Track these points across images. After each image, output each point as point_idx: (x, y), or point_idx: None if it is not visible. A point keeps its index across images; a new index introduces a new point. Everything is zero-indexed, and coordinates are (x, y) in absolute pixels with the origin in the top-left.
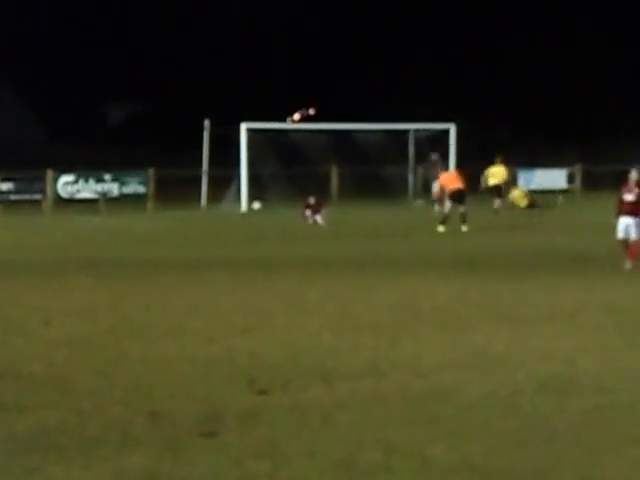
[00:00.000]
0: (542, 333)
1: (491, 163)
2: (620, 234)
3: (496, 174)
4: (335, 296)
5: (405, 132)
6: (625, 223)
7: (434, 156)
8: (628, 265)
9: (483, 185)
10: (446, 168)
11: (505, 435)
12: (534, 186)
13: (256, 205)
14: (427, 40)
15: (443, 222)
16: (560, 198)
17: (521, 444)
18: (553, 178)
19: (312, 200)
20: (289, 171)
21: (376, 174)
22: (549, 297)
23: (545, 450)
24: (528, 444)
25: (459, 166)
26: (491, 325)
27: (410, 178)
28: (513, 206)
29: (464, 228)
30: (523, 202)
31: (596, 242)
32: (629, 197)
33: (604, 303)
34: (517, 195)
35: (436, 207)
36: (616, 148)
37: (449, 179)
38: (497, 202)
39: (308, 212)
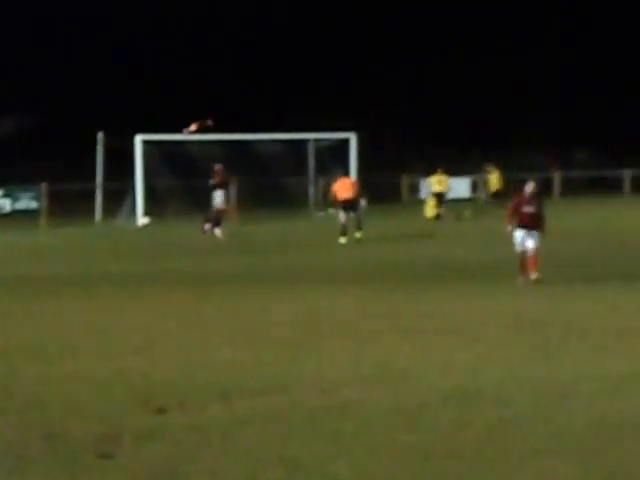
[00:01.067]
0: (445, 345)
1: (409, 170)
2: (520, 247)
3: (439, 182)
4: (234, 311)
5: (305, 142)
6: (523, 235)
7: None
8: (533, 276)
9: (429, 191)
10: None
11: (410, 449)
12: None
13: (143, 220)
14: (327, 49)
15: (343, 233)
16: (467, 212)
17: (426, 459)
18: (457, 187)
19: (213, 212)
20: (186, 183)
21: (276, 185)
22: (452, 309)
23: (450, 464)
24: (433, 459)
25: (361, 175)
26: (394, 338)
27: (311, 189)
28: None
29: (357, 235)
30: (431, 212)
31: (500, 252)
32: (529, 209)
33: (507, 314)
34: (428, 205)
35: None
36: (517, 157)
37: (341, 187)
38: (439, 209)
39: (207, 225)
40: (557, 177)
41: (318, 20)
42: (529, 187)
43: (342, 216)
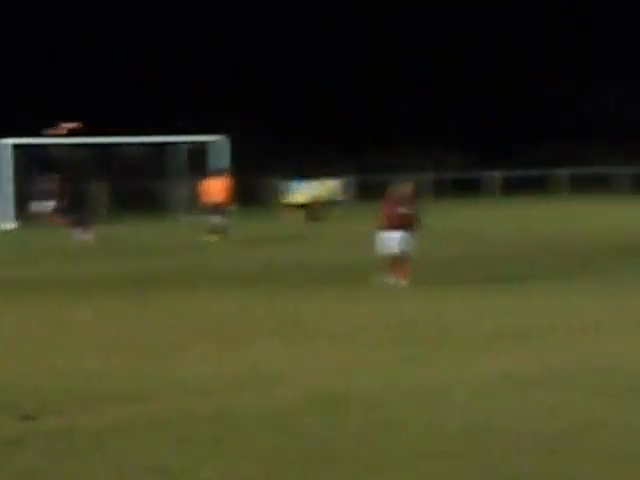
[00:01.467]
0: (318, 349)
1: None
2: (389, 250)
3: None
4: (105, 316)
5: (172, 145)
6: (396, 237)
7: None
8: (393, 280)
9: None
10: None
11: (284, 454)
12: (308, 198)
13: (8, 225)
14: (198, 51)
15: (214, 232)
16: (338, 210)
17: (300, 462)
18: (327, 189)
19: (82, 216)
20: (54, 187)
21: (143, 188)
22: (325, 311)
23: (324, 468)
24: (307, 462)
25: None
26: (267, 341)
27: (178, 192)
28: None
29: (210, 238)
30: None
31: (373, 254)
32: (402, 210)
33: (380, 317)
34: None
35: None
36: (387, 159)
37: (212, 189)
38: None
39: (77, 229)
40: (430, 178)
41: (183, 22)
42: (404, 188)
43: (213, 217)
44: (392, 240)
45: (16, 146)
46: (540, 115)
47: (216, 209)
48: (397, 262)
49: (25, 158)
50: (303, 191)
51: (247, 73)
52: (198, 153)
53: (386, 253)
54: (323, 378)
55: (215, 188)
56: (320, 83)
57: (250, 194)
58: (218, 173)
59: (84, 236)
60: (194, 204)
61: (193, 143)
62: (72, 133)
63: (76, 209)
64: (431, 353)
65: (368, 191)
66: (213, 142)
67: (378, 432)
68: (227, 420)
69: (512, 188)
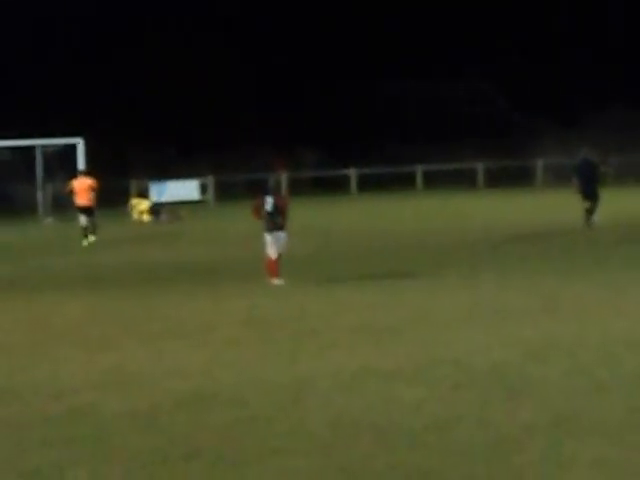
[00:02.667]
0: (177, 348)
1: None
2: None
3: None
4: None
5: (32, 148)
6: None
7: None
8: (280, 281)
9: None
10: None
11: (146, 454)
12: (167, 198)
13: None
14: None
15: (85, 235)
16: (182, 212)
17: (163, 461)
18: (185, 189)
19: None
20: None
21: (3, 192)
22: (183, 311)
23: (188, 466)
24: (170, 461)
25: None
26: (125, 342)
27: (39, 195)
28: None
29: (91, 239)
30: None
31: (232, 253)
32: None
33: (239, 315)
34: (142, 209)
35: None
36: (245, 158)
37: (79, 190)
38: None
39: None
40: (285, 177)
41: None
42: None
43: (82, 219)
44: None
45: None
46: (386, 114)
47: (84, 210)
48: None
49: None
50: (163, 192)
51: (103, 73)
52: (59, 155)
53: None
54: (184, 378)
55: (84, 188)
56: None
57: (112, 196)
58: (83, 175)
59: None
60: (57, 206)
61: (54, 146)
62: None
63: None
64: (291, 349)
65: (227, 190)
66: (72, 144)
67: (242, 429)
68: (88, 421)
69: (368, 185)
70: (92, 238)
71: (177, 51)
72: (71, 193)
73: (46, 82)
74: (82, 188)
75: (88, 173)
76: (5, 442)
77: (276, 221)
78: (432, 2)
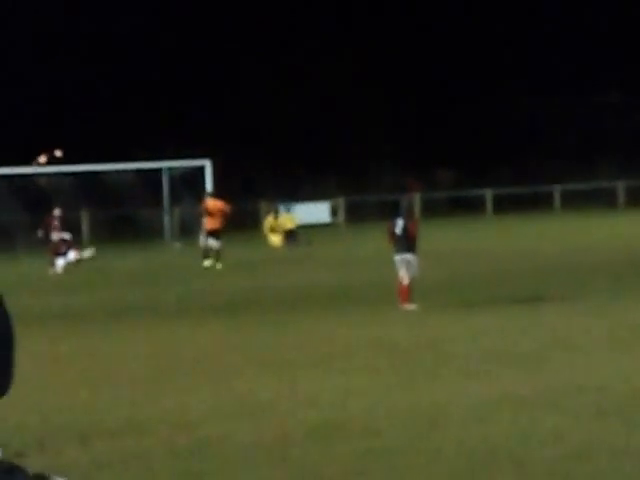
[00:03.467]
0: (309, 377)
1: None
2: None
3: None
4: (90, 350)
5: (158, 171)
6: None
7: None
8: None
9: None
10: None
11: None
12: (296, 221)
13: None
14: (170, 73)
15: (206, 257)
16: (308, 239)
17: None
18: (316, 212)
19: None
20: (36, 218)
21: (130, 216)
22: (315, 338)
23: None
24: None
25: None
26: (256, 371)
27: (166, 219)
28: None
29: (206, 263)
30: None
31: (362, 276)
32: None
33: (372, 342)
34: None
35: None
36: (376, 178)
37: (210, 212)
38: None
39: (60, 260)
40: (417, 198)
41: (161, 46)
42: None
43: (209, 241)
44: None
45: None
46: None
47: (212, 233)
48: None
49: (7, 188)
50: (292, 214)
51: (228, 97)
52: (185, 178)
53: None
54: (315, 407)
55: (215, 210)
56: (299, 104)
57: (240, 218)
58: (211, 197)
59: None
60: (184, 230)
61: (180, 168)
62: (55, 161)
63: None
64: (426, 377)
65: (357, 212)
66: (200, 166)
67: (374, 461)
68: (216, 453)
69: (504, 206)
70: (210, 262)
71: (303, 69)
72: (204, 214)
73: (173, 104)
74: (213, 211)
75: (216, 195)
76: (132, 475)
77: (404, 244)
78: (571, 16)
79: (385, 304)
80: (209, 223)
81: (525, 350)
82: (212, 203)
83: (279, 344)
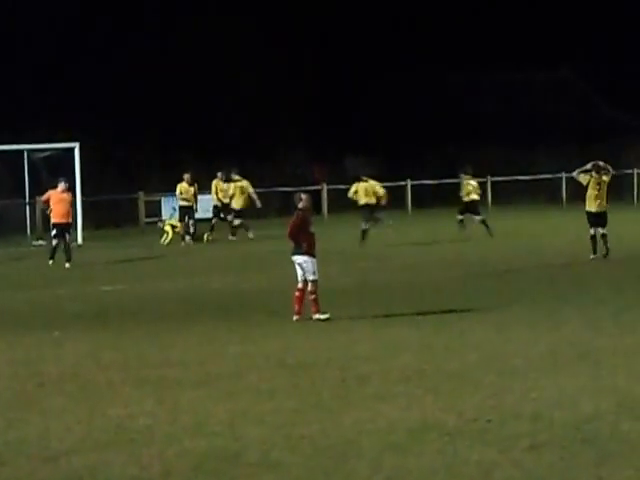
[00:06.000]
0: (196, 399)
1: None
2: (311, 276)
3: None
4: None
5: (18, 154)
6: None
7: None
8: (318, 315)
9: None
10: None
11: None
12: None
13: None
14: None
15: (51, 256)
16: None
17: None
18: (206, 206)
19: None
20: None
21: None
22: (203, 354)
23: None
24: None
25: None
26: (133, 392)
27: (27, 211)
28: None
29: (67, 265)
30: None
31: (260, 281)
32: (312, 229)
33: (270, 359)
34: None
35: None
36: (278, 168)
37: (57, 204)
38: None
39: None
40: (325, 190)
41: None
42: (304, 202)
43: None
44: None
45: None
46: None
47: (64, 229)
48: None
49: None
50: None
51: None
52: (50, 162)
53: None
54: (204, 435)
55: (63, 202)
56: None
57: (114, 213)
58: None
59: None
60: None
61: (45, 151)
62: None
63: None
64: (334, 400)
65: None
66: (68, 149)
67: None
68: None
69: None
70: (67, 265)
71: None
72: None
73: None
74: (61, 204)
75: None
76: None
77: (313, 245)
78: None
79: (284, 314)
80: (58, 219)
81: (450, 370)
82: (53, 197)
83: (160, 360)
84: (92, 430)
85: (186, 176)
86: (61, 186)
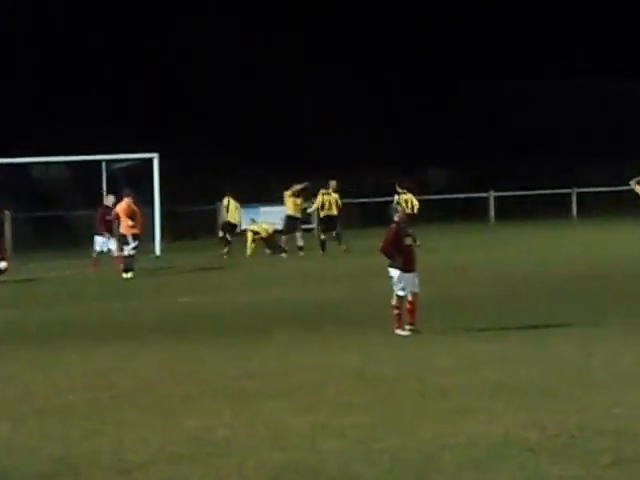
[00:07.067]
0: (274, 411)
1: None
2: (402, 291)
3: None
4: (13, 377)
5: (96, 164)
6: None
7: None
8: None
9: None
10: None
11: None
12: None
13: None
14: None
15: (128, 269)
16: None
17: None
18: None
19: None
20: None
21: (60, 218)
22: (281, 365)
23: None
24: None
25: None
26: (210, 404)
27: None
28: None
29: (125, 275)
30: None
31: (341, 293)
32: (408, 241)
33: (351, 372)
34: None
35: None
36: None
37: (124, 215)
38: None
39: None
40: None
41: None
42: (400, 214)
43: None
44: (400, 279)
45: None
46: None
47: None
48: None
49: None
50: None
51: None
52: (129, 174)
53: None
54: (282, 447)
55: (121, 215)
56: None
57: (192, 224)
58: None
59: None
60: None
61: (123, 162)
62: None
63: None
64: (414, 414)
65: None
66: (148, 159)
67: None
68: None
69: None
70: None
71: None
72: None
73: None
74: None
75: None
76: None
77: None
78: None
79: (364, 326)
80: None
81: (532, 385)
82: (123, 206)
83: (238, 372)
84: (168, 442)
85: (295, 188)
86: (110, 199)
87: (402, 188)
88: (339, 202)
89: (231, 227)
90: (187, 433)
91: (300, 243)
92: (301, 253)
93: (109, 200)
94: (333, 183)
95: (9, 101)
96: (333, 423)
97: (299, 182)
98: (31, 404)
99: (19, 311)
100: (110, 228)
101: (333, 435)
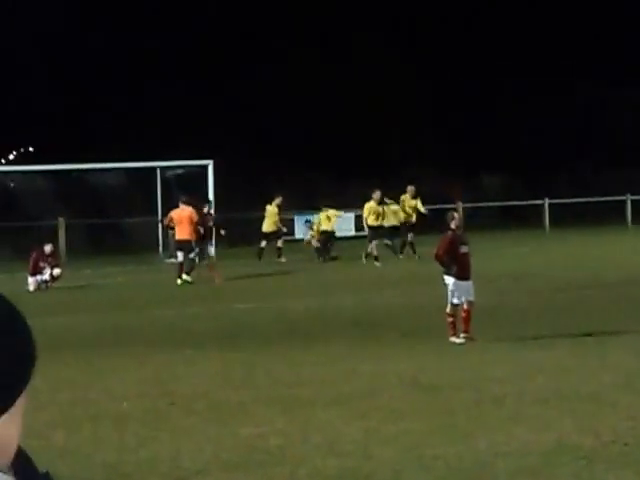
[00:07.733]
0: (328, 419)
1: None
2: (457, 299)
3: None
4: (68, 383)
5: (151, 171)
6: (458, 284)
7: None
8: (463, 335)
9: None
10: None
11: None
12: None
13: None
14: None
15: (187, 272)
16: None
17: None
18: (338, 223)
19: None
20: (2, 225)
21: (114, 225)
22: (335, 372)
23: None
24: None
25: (222, 210)
26: (264, 411)
27: (159, 230)
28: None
29: (183, 278)
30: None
31: (394, 300)
32: (464, 249)
33: (404, 379)
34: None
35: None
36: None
37: (177, 221)
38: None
39: (36, 277)
40: (460, 208)
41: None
42: (456, 221)
43: (179, 256)
44: (455, 287)
45: None
46: None
47: (183, 246)
48: (457, 315)
49: None
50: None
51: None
52: (183, 181)
53: (451, 303)
54: (335, 454)
55: (183, 220)
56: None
57: (244, 229)
58: (186, 203)
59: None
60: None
61: (177, 168)
62: (26, 158)
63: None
64: (469, 422)
65: None
66: (202, 166)
67: None
68: None
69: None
70: (186, 278)
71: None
72: (168, 226)
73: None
74: (181, 221)
75: (188, 202)
76: None
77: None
78: None
79: (417, 333)
80: (178, 236)
81: (586, 392)
82: (179, 211)
83: (291, 379)
84: (223, 450)
85: (375, 194)
86: (207, 206)
87: (390, 198)
88: (420, 207)
89: (328, 236)
90: (241, 441)
91: (375, 252)
92: (377, 263)
93: (206, 207)
94: (411, 188)
95: (63, 109)
96: (386, 430)
97: (373, 191)
98: (85, 410)
99: (73, 317)
100: (209, 235)
101: (386, 442)
